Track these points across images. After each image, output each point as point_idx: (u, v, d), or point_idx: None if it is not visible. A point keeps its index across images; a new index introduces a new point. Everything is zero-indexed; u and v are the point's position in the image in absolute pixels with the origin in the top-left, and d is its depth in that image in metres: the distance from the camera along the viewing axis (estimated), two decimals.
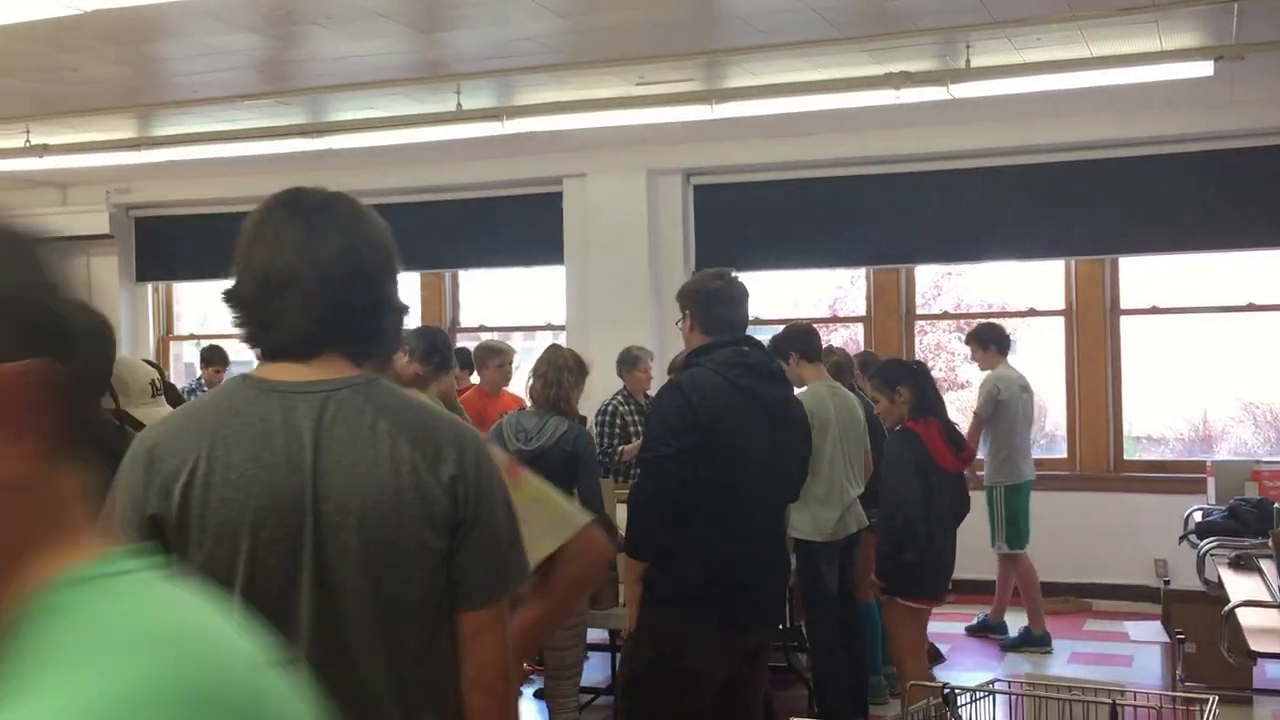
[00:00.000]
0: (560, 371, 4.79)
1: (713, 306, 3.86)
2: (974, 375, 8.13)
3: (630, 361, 7.13)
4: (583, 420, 5.50)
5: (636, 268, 9.01)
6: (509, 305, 11.79)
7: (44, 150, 8.23)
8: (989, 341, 7.35)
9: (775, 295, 10.45)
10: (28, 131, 7.97)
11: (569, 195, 9.30)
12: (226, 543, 1.69)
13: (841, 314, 10.31)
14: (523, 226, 9.58)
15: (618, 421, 6.86)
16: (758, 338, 4.08)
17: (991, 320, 7.89)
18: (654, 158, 8.93)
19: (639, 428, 6.83)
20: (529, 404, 4.89)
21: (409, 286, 10.34)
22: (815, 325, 10.75)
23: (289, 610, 1.70)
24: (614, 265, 9.05)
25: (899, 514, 4.75)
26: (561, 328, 9.66)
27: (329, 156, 8.69)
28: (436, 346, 5.58)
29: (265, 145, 8.24)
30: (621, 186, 9.04)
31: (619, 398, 7.05)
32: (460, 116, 7.46)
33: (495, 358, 6.90)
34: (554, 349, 5.05)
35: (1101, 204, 8.22)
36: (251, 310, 1.82)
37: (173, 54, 6.54)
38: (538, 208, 9.46)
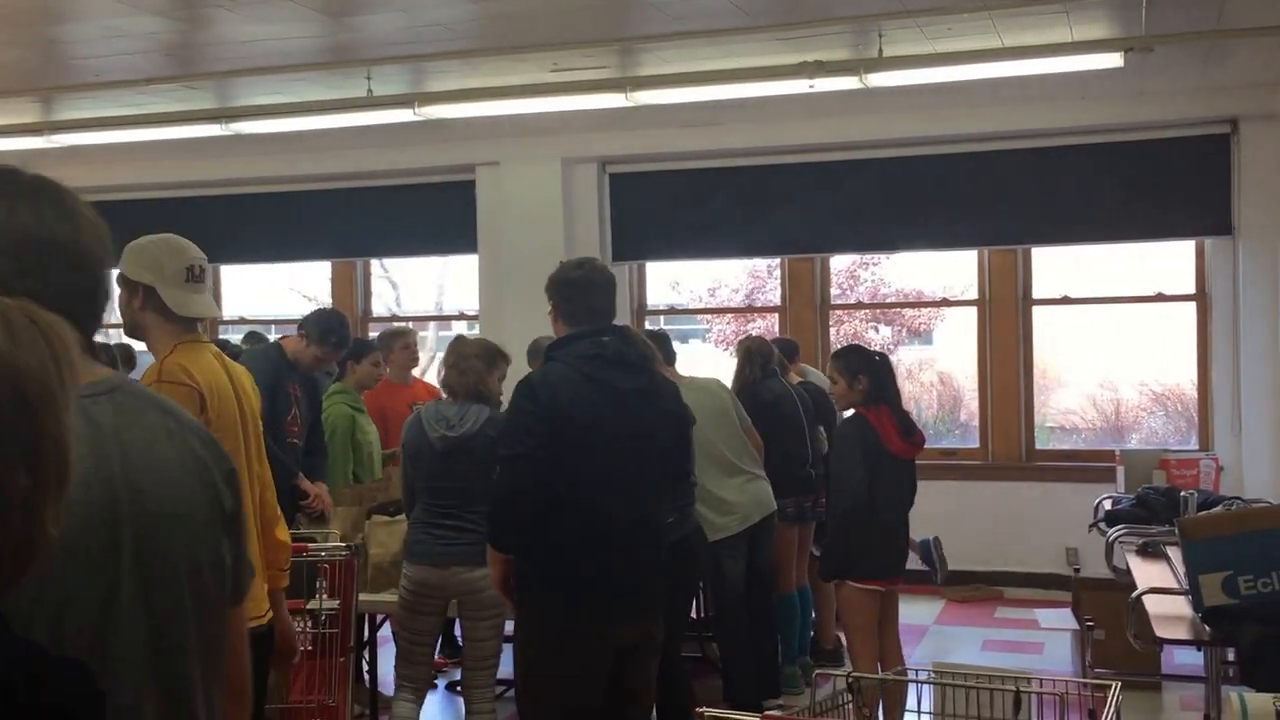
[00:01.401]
0: (467, 360, 4.74)
1: (573, 296, 3.78)
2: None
3: (538, 352, 7.09)
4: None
5: (551, 257, 8.74)
6: (422, 294, 11.68)
7: None
8: (791, 354, 7.27)
9: (693, 284, 10.46)
10: None
11: (482, 183, 9.18)
12: (64, 570, 1.46)
13: (759, 304, 10.35)
14: (435, 215, 9.45)
15: None
16: (620, 325, 3.97)
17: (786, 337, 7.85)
18: (569, 146, 8.85)
19: None
20: (444, 394, 4.83)
21: (320, 275, 10.16)
22: (732, 314, 10.78)
23: (113, 631, 1.52)
24: (528, 254, 8.94)
25: (844, 498, 4.79)
26: (475, 317, 9.56)
27: (237, 142, 8.50)
28: (332, 326, 5.49)
29: (173, 130, 8.03)
30: (536, 175, 8.95)
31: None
32: (371, 103, 7.33)
33: (399, 340, 6.76)
34: (459, 340, 5.03)
35: (1013, 194, 8.30)
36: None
37: (75, 36, 6.35)
38: (450, 196, 9.34)
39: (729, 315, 10.93)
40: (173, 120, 7.93)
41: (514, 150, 8.89)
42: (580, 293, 3.78)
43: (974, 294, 8.88)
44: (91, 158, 9.27)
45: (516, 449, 3.62)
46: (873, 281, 10.60)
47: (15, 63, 6.73)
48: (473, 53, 6.60)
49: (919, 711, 3.17)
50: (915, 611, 7.49)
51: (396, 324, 7.70)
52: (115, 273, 3.20)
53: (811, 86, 6.67)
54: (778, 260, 9.41)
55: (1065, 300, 8.81)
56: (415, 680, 4.71)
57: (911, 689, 3.30)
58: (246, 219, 9.67)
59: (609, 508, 3.66)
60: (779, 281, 9.44)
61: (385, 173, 9.36)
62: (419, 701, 4.73)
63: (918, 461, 5.10)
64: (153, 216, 9.67)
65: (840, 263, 9.75)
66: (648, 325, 9.01)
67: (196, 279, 3.20)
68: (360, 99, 7.31)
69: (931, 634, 7.34)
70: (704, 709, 2.90)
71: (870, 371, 4.93)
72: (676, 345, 6.06)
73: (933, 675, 3.04)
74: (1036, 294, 8.72)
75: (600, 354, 3.69)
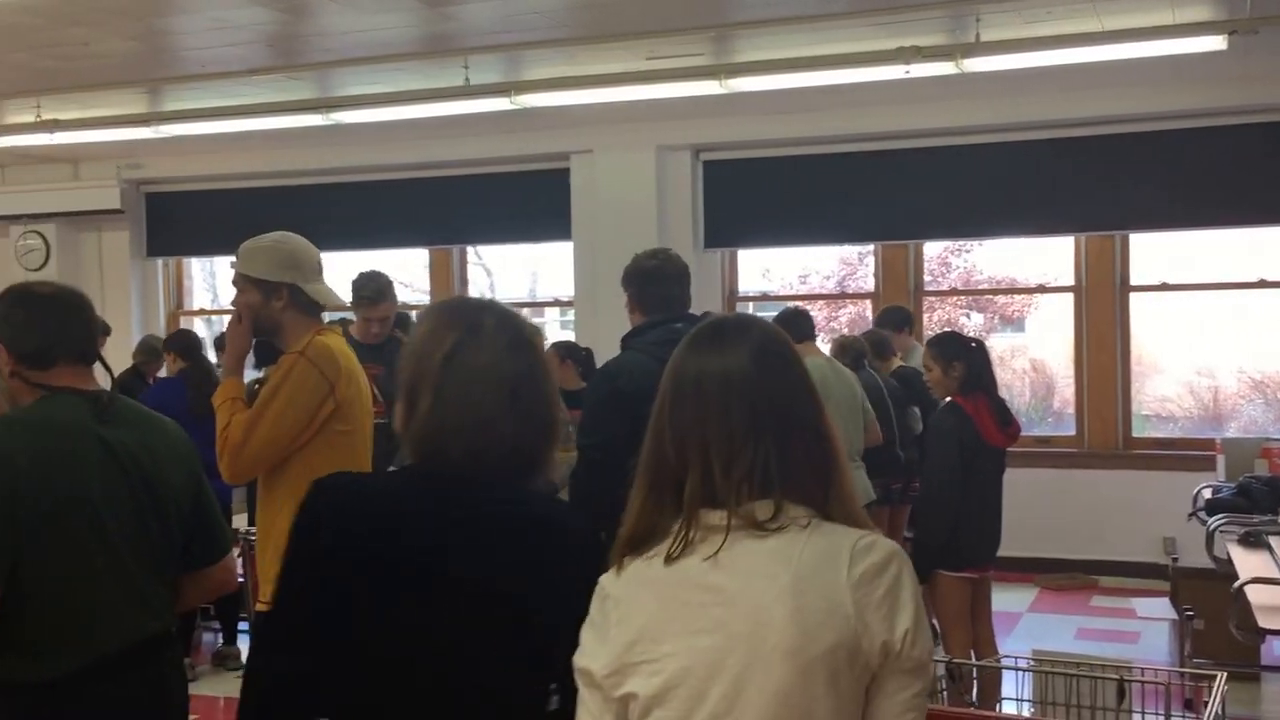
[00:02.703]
0: None
1: (648, 285, 3.83)
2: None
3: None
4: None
5: (644, 244, 8.86)
6: (516, 281, 11.81)
7: (55, 126, 8.23)
8: (901, 324, 7.31)
9: (784, 272, 10.46)
10: (38, 107, 7.97)
11: (576, 171, 9.27)
12: None
13: (850, 290, 10.31)
14: (530, 202, 9.56)
15: None
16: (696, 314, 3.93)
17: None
18: (662, 134, 8.90)
19: None
20: None
21: (417, 262, 10.34)
22: (824, 301, 10.76)
23: None
24: (621, 242, 8.94)
25: (938, 490, 4.80)
26: (569, 303, 9.67)
27: (337, 132, 8.68)
28: (357, 284, 5.59)
29: (274, 120, 8.21)
30: (629, 163, 9.01)
31: None
32: (468, 92, 7.45)
33: None
34: None
35: (1111, 180, 8.18)
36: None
37: (183, 28, 6.53)
38: (545, 184, 9.44)
39: (820, 302, 10.91)
40: (274, 110, 8.12)
41: (608, 138, 8.96)
42: (656, 282, 3.82)
43: (1069, 280, 8.77)
44: (196, 148, 9.52)
45: (587, 439, 3.64)
46: (964, 268, 10.51)
47: (125, 54, 6.93)
48: (569, 41, 6.67)
49: (1019, 699, 3.20)
50: (1008, 599, 7.46)
51: None
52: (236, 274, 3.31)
53: (908, 72, 6.65)
54: (869, 247, 9.38)
55: (1164, 287, 8.66)
56: None
57: (1011, 676, 3.32)
58: (345, 207, 9.86)
59: None
60: (871, 268, 9.40)
61: (481, 161, 9.49)
62: None
63: (1014, 449, 5.08)
64: (254, 205, 9.96)
65: (932, 249, 9.67)
66: (739, 308, 9.05)
67: (322, 270, 3.35)
68: (457, 88, 7.44)
69: (1025, 622, 7.29)
70: None
71: (966, 358, 4.90)
72: None
73: (1033, 663, 3.06)
74: (1134, 280, 8.59)
75: (675, 339, 3.69)
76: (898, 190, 8.64)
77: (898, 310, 7.62)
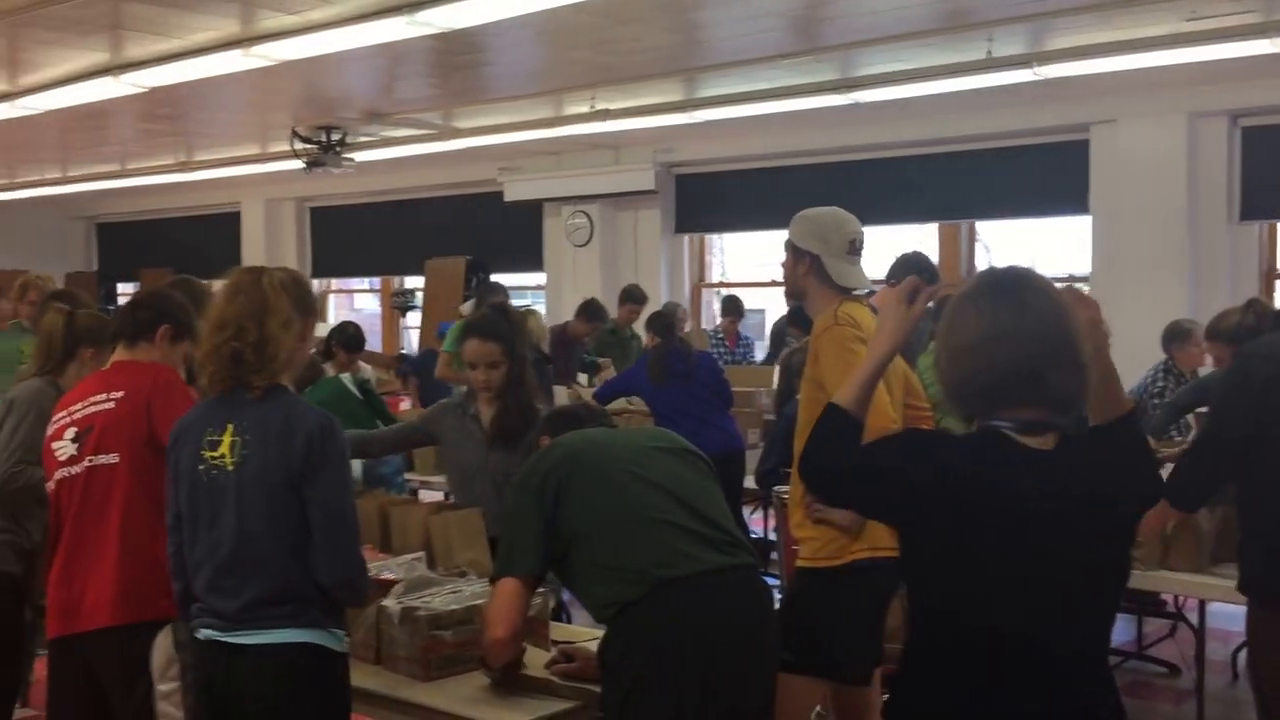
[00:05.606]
0: None
1: None
2: None
3: (1181, 335, 6.36)
4: None
5: (1171, 220, 8.53)
6: (1014, 257, 11.56)
7: (605, 115, 9.11)
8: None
9: None
10: (593, 99, 8.84)
11: (1096, 142, 8.95)
12: None
13: None
14: (1044, 176, 9.36)
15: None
16: None
17: None
18: (1196, 99, 8.39)
19: None
20: None
21: (928, 236, 10.40)
22: None
23: None
24: (1145, 217, 8.62)
25: None
26: (1085, 279, 9.37)
27: (854, 110, 8.89)
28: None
29: (796, 102, 8.57)
30: (1156, 132, 8.58)
31: (1159, 372, 6.39)
32: (988, 65, 7.40)
33: None
34: None
35: None
36: None
37: (718, 19, 6.96)
38: (1061, 156, 9.21)
39: None
40: (797, 93, 8.46)
41: (1133, 106, 8.58)
42: None
43: None
44: (720, 131, 10.11)
45: (1205, 435, 3.50)
46: None
47: (668, 47, 7.49)
48: (1102, 6, 6.43)
49: None
50: None
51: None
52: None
53: None
54: None
55: None
56: None
57: None
58: (856, 184, 10.09)
59: None
60: None
61: (995, 135, 9.40)
62: None
63: None
64: (769, 184, 10.45)
65: None
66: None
67: (855, 251, 3.43)
68: (978, 62, 7.41)
69: None
70: None
71: None
72: None
73: None
74: None
75: None
76: None
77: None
